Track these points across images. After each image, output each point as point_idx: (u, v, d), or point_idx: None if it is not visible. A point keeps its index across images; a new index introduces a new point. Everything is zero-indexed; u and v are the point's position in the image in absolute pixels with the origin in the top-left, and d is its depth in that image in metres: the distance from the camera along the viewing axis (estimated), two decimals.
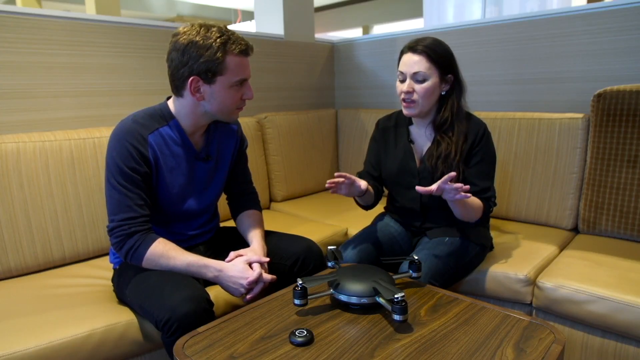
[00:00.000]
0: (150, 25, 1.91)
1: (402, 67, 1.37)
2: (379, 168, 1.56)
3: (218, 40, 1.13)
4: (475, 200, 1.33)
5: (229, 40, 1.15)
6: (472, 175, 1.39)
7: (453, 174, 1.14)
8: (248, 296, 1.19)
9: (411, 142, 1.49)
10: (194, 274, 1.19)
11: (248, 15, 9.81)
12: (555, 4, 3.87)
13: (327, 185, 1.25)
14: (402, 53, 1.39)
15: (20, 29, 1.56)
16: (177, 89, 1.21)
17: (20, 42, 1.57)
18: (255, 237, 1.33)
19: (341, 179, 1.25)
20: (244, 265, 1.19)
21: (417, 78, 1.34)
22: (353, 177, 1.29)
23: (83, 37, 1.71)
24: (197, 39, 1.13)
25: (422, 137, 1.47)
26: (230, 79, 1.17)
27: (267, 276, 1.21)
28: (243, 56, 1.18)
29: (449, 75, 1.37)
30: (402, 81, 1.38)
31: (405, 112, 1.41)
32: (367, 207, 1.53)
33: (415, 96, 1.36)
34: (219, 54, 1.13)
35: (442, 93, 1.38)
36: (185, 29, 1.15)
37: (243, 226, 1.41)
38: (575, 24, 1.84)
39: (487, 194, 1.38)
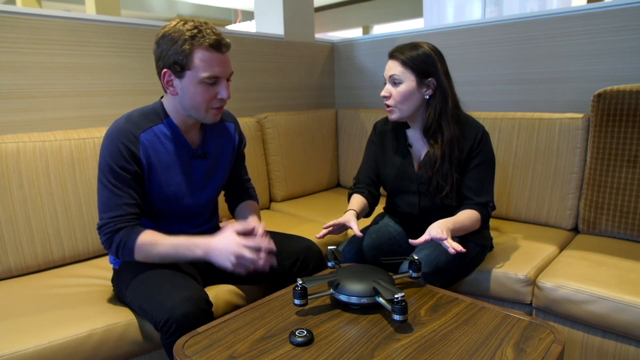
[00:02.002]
0: (150, 25, 1.91)
1: (384, 73, 1.41)
2: (377, 171, 1.56)
3: (187, 33, 1.12)
4: (470, 218, 1.34)
5: (200, 33, 1.12)
6: (471, 180, 1.39)
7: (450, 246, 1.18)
8: (258, 264, 1.12)
9: (409, 146, 1.49)
10: (185, 256, 1.15)
11: (248, 15, 9.81)
12: (555, 4, 3.88)
13: (317, 237, 1.31)
14: None
15: (20, 29, 1.56)
16: (162, 84, 1.21)
17: (20, 42, 1.57)
18: (249, 214, 1.35)
19: (330, 228, 1.31)
20: (231, 235, 1.14)
21: (393, 81, 1.38)
22: (341, 221, 1.33)
23: (83, 37, 1.71)
24: (170, 31, 1.13)
25: (419, 142, 1.47)
26: (198, 74, 1.13)
27: (258, 241, 1.14)
28: (213, 51, 1.13)
29: (430, 79, 1.36)
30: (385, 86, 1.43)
31: (388, 116, 1.44)
32: (365, 216, 1.55)
33: (392, 100, 1.39)
34: (185, 46, 1.11)
35: (426, 97, 1.38)
36: (167, 24, 1.17)
37: (239, 213, 1.42)
38: (575, 24, 1.84)
39: (484, 202, 1.38)
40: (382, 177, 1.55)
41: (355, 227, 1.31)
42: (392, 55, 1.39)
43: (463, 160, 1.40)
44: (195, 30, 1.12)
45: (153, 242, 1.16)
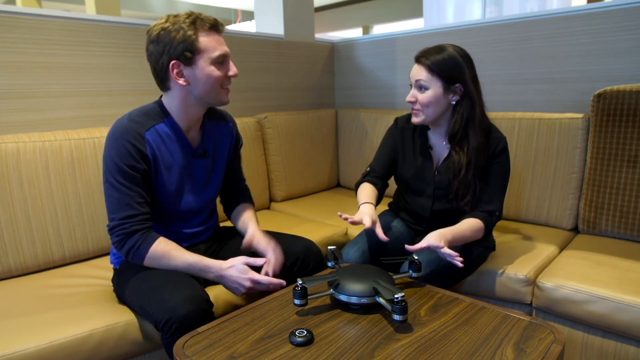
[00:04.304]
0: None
1: (410, 76, 1.40)
2: (391, 166, 1.53)
3: (187, 20, 1.16)
4: (472, 228, 1.33)
5: (197, 18, 1.17)
6: (482, 190, 1.38)
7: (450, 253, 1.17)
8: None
9: (430, 147, 1.47)
10: (196, 274, 1.19)
11: (248, 15, 9.81)
12: (555, 4, 3.87)
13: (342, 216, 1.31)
14: None
15: (20, 29, 1.56)
16: (163, 81, 1.22)
17: (20, 42, 1.57)
18: (248, 223, 1.38)
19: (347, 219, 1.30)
20: (243, 267, 1.19)
21: (419, 86, 1.36)
22: (363, 222, 1.31)
23: (83, 37, 1.71)
24: (167, 25, 1.16)
25: (440, 145, 1.46)
26: (208, 55, 1.18)
27: (270, 280, 1.19)
28: (214, 32, 1.20)
29: (457, 85, 1.34)
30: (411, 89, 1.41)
31: (412, 119, 1.42)
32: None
33: (418, 105, 1.37)
34: (189, 32, 1.15)
35: (453, 102, 1.36)
36: (155, 22, 1.19)
37: (237, 218, 1.44)
38: (575, 24, 1.84)
39: (490, 210, 1.37)
40: (399, 174, 1.53)
41: (381, 233, 1.31)
42: (418, 60, 1.36)
43: (481, 169, 1.38)
44: (192, 17, 1.17)
45: (166, 254, 1.18)
